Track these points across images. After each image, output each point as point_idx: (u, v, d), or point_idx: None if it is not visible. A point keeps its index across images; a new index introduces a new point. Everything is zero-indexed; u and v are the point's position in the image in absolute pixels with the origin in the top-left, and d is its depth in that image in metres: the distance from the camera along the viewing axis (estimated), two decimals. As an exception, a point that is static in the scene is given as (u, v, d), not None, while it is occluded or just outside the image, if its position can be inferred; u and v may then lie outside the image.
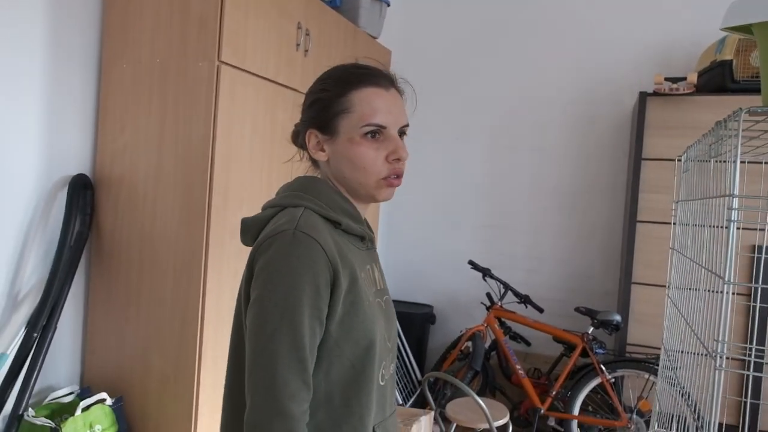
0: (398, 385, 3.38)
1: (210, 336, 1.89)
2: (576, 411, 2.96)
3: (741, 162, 1.10)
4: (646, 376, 2.85)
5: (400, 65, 3.84)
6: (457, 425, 2.65)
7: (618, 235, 3.56)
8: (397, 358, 1.00)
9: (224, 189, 1.90)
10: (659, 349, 3.04)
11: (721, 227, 0.89)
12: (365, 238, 1.07)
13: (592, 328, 3.01)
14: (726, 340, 0.80)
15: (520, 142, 3.74)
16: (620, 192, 3.55)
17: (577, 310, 3.10)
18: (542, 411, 3.01)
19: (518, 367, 3.11)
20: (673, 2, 3.38)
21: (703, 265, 1.01)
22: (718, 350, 0.79)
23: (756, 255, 2.76)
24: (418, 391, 3.53)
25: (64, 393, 1.89)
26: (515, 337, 3.32)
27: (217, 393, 1.94)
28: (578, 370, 3.02)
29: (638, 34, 3.46)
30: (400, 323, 3.47)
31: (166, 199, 1.89)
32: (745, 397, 2.75)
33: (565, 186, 3.65)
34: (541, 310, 3.21)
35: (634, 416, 2.87)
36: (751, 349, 2.38)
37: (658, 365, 2.59)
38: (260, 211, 1.06)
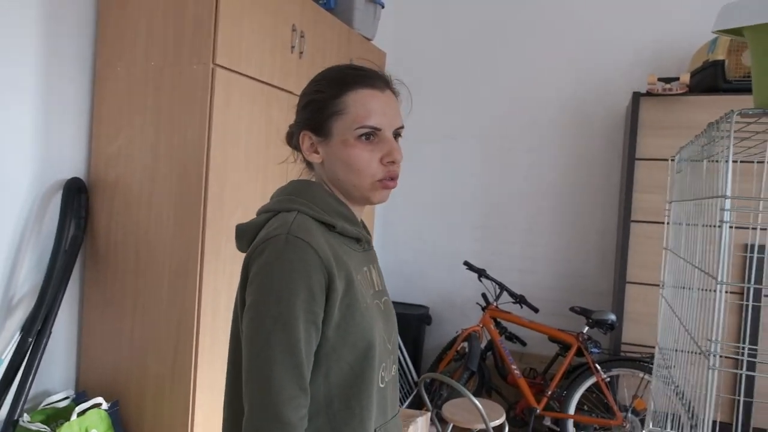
0: (394, 386, 3.37)
1: (206, 340, 1.89)
2: (572, 410, 2.97)
3: (733, 162, 1.11)
4: (641, 375, 2.87)
5: (395, 67, 3.85)
6: (453, 426, 2.66)
7: (612, 234, 3.58)
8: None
9: (220, 192, 1.90)
10: (654, 348, 3.05)
11: (714, 227, 0.89)
12: (361, 240, 1.07)
13: (587, 328, 3.02)
14: (719, 339, 0.80)
15: (514, 142, 3.75)
16: (614, 192, 3.57)
17: (572, 309, 3.11)
18: (538, 411, 3.02)
19: (514, 367, 3.12)
20: (666, 3, 3.41)
21: (696, 265, 1.02)
22: (712, 350, 0.80)
23: (748, 254, 2.78)
24: (414, 392, 3.53)
25: (59, 398, 1.88)
26: (511, 337, 3.33)
27: (213, 397, 1.94)
28: (573, 369, 3.03)
29: (632, 34, 3.48)
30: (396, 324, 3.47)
31: (162, 202, 1.88)
32: (738, 395, 2.76)
33: (560, 186, 3.67)
34: (536, 310, 3.22)
35: (630, 415, 2.88)
36: (743, 348, 2.40)
37: (652, 364, 2.60)
38: (255, 215, 1.06)
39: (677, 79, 2.95)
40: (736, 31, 0.84)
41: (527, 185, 3.73)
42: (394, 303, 3.90)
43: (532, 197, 3.72)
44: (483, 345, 3.26)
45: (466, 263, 3.32)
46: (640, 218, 3.02)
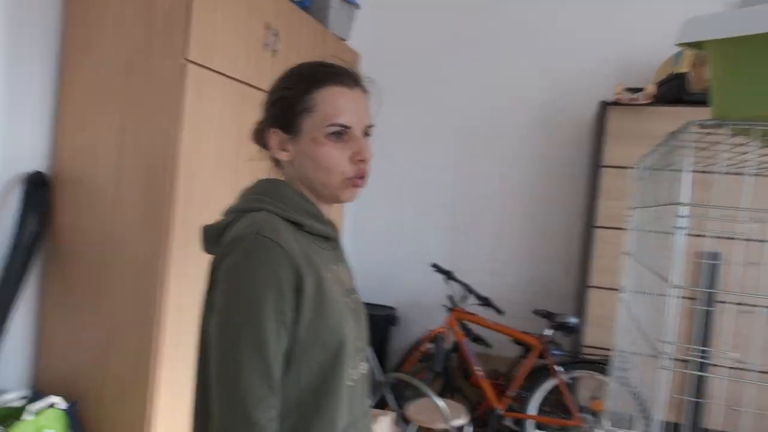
0: (360, 386, 3.38)
1: (170, 340, 1.86)
2: (532, 411, 3.03)
3: (692, 172, 1.16)
4: (600, 377, 2.94)
5: (369, 68, 3.84)
6: (417, 425, 2.68)
7: (577, 240, 3.65)
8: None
9: (189, 190, 1.88)
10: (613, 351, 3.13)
11: (671, 233, 0.93)
12: (330, 238, 1.06)
13: (549, 330, 3.08)
14: (671, 340, 0.83)
15: (484, 147, 3.80)
16: (580, 198, 3.65)
17: (535, 312, 3.17)
18: (500, 411, 3.07)
19: (477, 368, 3.16)
20: (634, 15, 3.50)
21: (653, 269, 1.06)
22: (663, 350, 0.83)
23: (703, 261, 2.88)
24: (379, 393, 3.54)
25: (14, 397, 1.82)
26: (476, 339, 3.38)
27: (175, 398, 1.91)
28: (535, 371, 3.08)
29: (601, 44, 3.56)
30: (362, 325, 3.47)
31: (129, 199, 1.85)
32: (689, 396, 2.85)
33: (528, 191, 3.73)
34: (501, 312, 3.27)
35: (588, 416, 2.95)
36: (697, 350, 2.48)
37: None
38: (222, 215, 1.05)
39: (643, 89, 3.03)
40: (698, 45, 0.87)
41: (496, 190, 3.78)
42: (361, 304, 3.90)
43: (500, 202, 3.78)
44: (448, 346, 3.29)
45: (433, 265, 3.35)
46: (604, 224, 3.10)
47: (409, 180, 3.95)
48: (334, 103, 0.99)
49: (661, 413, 0.86)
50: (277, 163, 1.08)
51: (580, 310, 3.16)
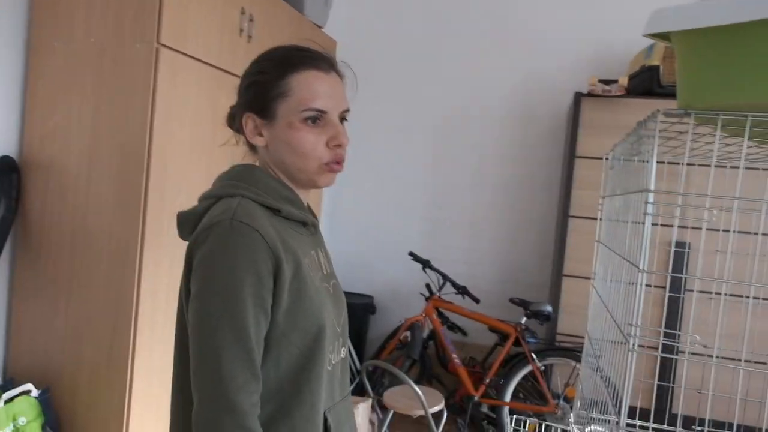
0: (337, 374, 3.39)
1: (145, 325, 1.85)
2: (508, 398, 3.08)
3: (661, 162, 1.18)
4: (573, 364, 3.00)
5: (345, 56, 3.83)
6: (394, 412, 2.70)
7: (552, 229, 3.71)
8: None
9: (162, 175, 1.86)
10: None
11: (639, 222, 0.95)
12: (308, 224, 1.06)
13: (525, 319, 3.13)
14: (638, 324, 0.86)
15: (461, 137, 3.82)
16: (555, 188, 3.69)
17: (511, 301, 3.21)
18: (476, 398, 3.11)
19: (454, 356, 3.20)
20: (611, 6, 3.54)
21: (622, 256, 1.08)
22: (632, 333, 0.85)
23: (674, 249, 2.94)
24: (357, 380, 3.56)
25: (-15, 385, 1.80)
26: (453, 327, 3.41)
27: (151, 384, 1.90)
28: (511, 358, 3.13)
29: (577, 36, 3.59)
30: (340, 313, 3.48)
31: (100, 184, 1.82)
32: (658, 380, 2.93)
33: (504, 181, 3.76)
34: (477, 301, 3.30)
35: (561, 402, 3.01)
36: (666, 335, 2.54)
37: (584, 353, 2.73)
38: (197, 201, 1.04)
39: (616, 81, 3.08)
40: (664, 36, 0.89)
41: (473, 179, 3.81)
42: (339, 292, 3.91)
43: (477, 191, 3.81)
44: (425, 334, 3.32)
45: (411, 254, 3.37)
46: (578, 214, 3.15)
47: (387, 169, 3.95)
48: (309, 88, 0.98)
49: (628, 395, 0.88)
50: (252, 148, 1.07)
51: (554, 299, 3.21)
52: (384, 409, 2.76)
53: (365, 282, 3.99)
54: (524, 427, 1.63)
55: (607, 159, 1.53)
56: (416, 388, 2.46)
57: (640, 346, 0.89)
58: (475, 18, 3.77)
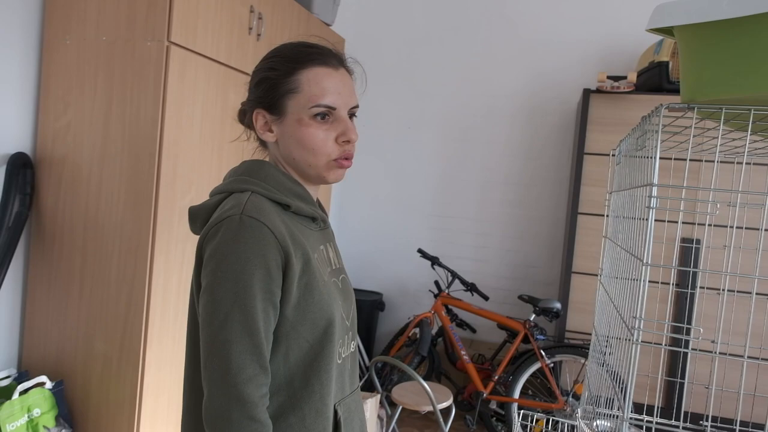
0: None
1: (156, 319, 1.87)
2: (516, 394, 3.08)
3: (668, 158, 1.18)
4: (582, 360, 3.00)
5: (353, 54, 3.85)
6: (402, 408, 2.72)
7: (561, 226, 3.70)
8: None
9: (172, 171, 1.88)
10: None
11: (643, 216, 0.95)
12: (317, 219, 1.06)
13: (533, 315, 3.13)
14: (642, 316, 0.86)
15: (470, 134, 3.82)
16: (564, 185, 3.68)
17: (520, 298, 3.21)
18: (485, 395, 3.12)
19: (463, 353, 3.21)
20: (618, 4, 3.52)
21: (628, 250, 1.08)
22: (636, 325, 0.85)
23: (678, 244, 2.93)
24: (366, 376, 3.58)
25: (0, 376, 1.83)
26: (461, 324, 3.42)
27: (162, 377, 1.93)
28: (520, 355, 3.13)
29: (586, 32, 3.58)
30: (349, 310, 3.50)
31: (112, 180, 1.85)
32: (671, 377, 2.92)
33: (513, 178, 3.76)
34: (486, 298, 3.31)
35: (570, 399, 3.01)
36: (674, 330, 2.53)
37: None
38: (208, 196, 1.05)
39: (625, 77, 3.06)
40: (668, 31, 0.89)
41: (482, 176, 3.81)
42: (348, 289, 3.93)
43: (486, 188, 3.81)
44: (434, 331, 3.33)
45: (419, 251, 3.38)
46: (587, 211, 3.14)
47: (396, 166, 3.96)
48: (318, 84, 0.99)
49: (632, 390, 0.89)
50: (262, 143, 1.08)
51: (563, 296, 3.21)
52: (392, 404, 2.77)
53: (374, 279, 4.01)
54: (532, 421, 1.64)
55: (613, 155, 1.53)
56: (424, 384, 2.47)
57: (647, 342, 0.89)
58: (483, 15, 3.77)
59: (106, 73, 1.85)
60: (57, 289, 1.91)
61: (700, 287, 2.91)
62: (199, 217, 1.02)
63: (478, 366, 3.28)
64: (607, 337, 1.35)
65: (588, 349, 2.97)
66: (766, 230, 2.48)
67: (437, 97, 3.87)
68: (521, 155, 3.74)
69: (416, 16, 3.88)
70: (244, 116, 1.09)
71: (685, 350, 0.80)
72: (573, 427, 2.38)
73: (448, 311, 3.35)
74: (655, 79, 2.92)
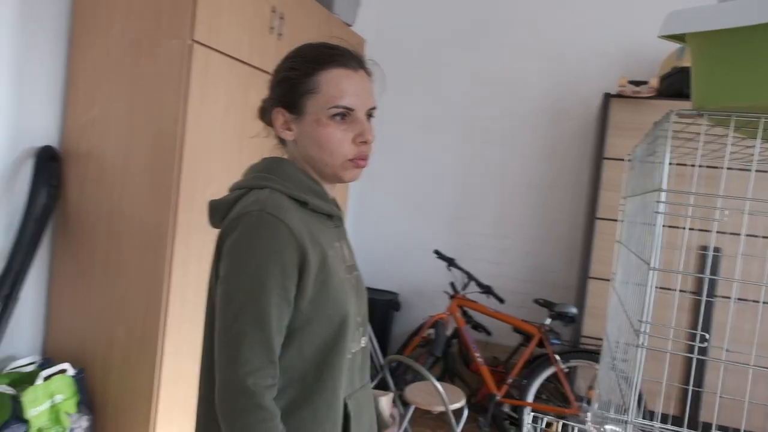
0: (360, 368, 3.44)
1: (175, 311, 1.92)
2: (530, 398, 3.08)
3: (682, 165, 1.18)
4: (597, 366, 2.98)
5: (374, 55, 3.88)
6: (415, 407, 2.73)
7: (580, 231, 3.68)
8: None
9: (193, 166, 1.92)
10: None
11: (652, 224, 0.96)
12: (333, 216, 1.09)
13: (549, 320, 3.11)
14: (649, 321, 0.87)
15: (489, 136, 3.82)
16: (583, 189, 3.66)
17: (535, 301, 3.20)
18: (498, 397, 3.11)
19: (477, 354, 3.21)
20: (641, 8, 3.49)
21: (639, 255, 1.09)
22: (642, 329, 0.86)
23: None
24: (380, 375, 3.60)
25: (25, 363, 1.89)
26: (476, 326, 3.42)
27: (180, 366, 1.98)
28: (534, 359, 3.12)
29: (608, 36, 3.56)
30: (364, 309, 3.53)
31: (135, 174, 1.90)
32: (691, 386, 2.89)
33: (532, 181, 3.75)
34: (502, 301, 3.31)
35: (584, 404, 3.00)
36: (691, 335, 2.51)
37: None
38: (227, 191, 1.08)
39: (647, 82, 3.04)
40: (680, 37, 0.90)
41: (500, 179, 3.81)
42: (364, 288, 3.96)
43: (504, 191, 3.80)
44: (449, 332, 3.33)
45: (436, 252, 3.39)
46: (605, 216, 3.12)
47: (414, 167, 3.98)
48: (338, 86, 1.01)
49: (637, 394, 0.90)
50: (281, 141, 1.11)
51: (579, 301, 3.19)
52: (405, 404, 2.79)
53: (390, 278, 4.03)
54: (542, 423, 1.64)
55: (629, 159, 1.53)
56: (437, 384, 2.48)
57: (652, 347, 0.90)
58: (504, 16, 3.76)
59: (132, 70, 1.90)
60: (80, 279, 1.97)
61: (713, 296, 2.88)
62: (218, 212, 1.05)
63: (492, 368, 3.28)
64: (617, 341, 1.35)
65: (603, 354, 2.95)
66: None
67: (457, 99, 3.87)
68: (541, 159, 3.73)
69: (437, 17, 3.89)
70: (265, 114, 1.12)
71: (690, 355, 0.81)
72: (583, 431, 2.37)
73: (464, 313, 3.36)
74: (677, 84, 2.89)
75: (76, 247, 1.98)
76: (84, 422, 1.86)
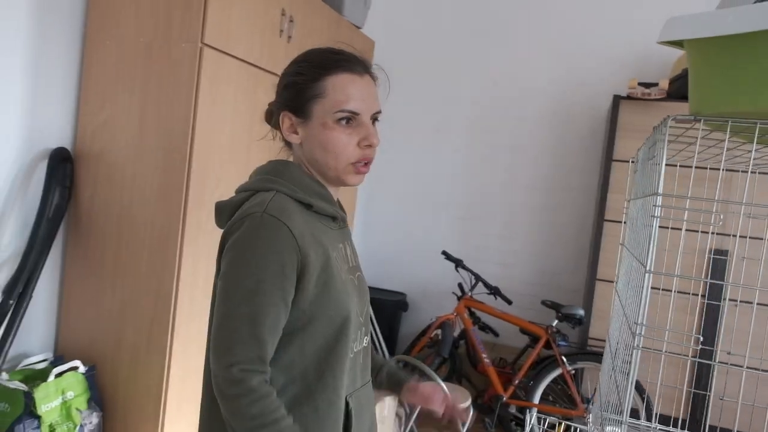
0: (368, 368, 3.46)
1: (184, 311, 1.95)
2: (536, 399, 3.08)
3: (686, 167, 1.19)
4: (605, 368, 2.97)
5: (383, 56, 3.90)
6: (421, 407, 2.74)
7: (588, 233, 3.67)
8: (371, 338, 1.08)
9: (203, 169, 1.96)
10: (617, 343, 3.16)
11: (649, 226, 0.97)
12: (337, 218, 1.11)
13: (556, 321, 3.12)
14: (644, 323, 0.88)
15: (498, 137, 3.83)
16: (592, 191, 3.66)
17: (543, 303, 3.20)
18: (504, 398, 3.12)
19: (484, 355, 3.22)
20: (652, 8, 3.48)
21: (638, 258, 1.10)
22: (636, 331, 0.88)
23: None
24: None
25: (37, 360, 1.93)
26: (484, 327, 3.43)
27: (188, 365, 2.01)
28: (541, 360, 3.13)
29: (618, 38, 3.55)
30: (373, 309, 3.56)
31: (145, 175, 1.94)
32: (697, 389, 2.88)
33: (541, 183, 3.75)
34: (509, 302, 3.31)
35: (590, 406, 2.99)
36: (697, 340, 2.50)
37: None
38: (234, 194, 1.11)
39: (657, 84, 3.03)
40: (679, 43, 0.91)
41: (509, 180, 3.81)
42: (372, 288, 3.98)
43: (512, 193, 3.81)
44: (456, 333, 3.35)
45: (444, 253, 3.40)
46: (613, 218, 3.12)
47: (422, 168, 3.99)
48: (343, 90, 1.04)
49: (631, 393, 0.91)
50: (287, 144, 1.13)
51: (587, 303, 3.19)
52: (411, 404, 2.80)
53: (398, 279, 4.04)
54: (543, 424, 1.65)
55: (633, 162, 1.54)
56: (442, 384, 2.49)
57: (647, 348, 0.91)
58: (513, 18, 3.77)
59: (143, 72, 1.93)
60: (91, 278, 2.01)
61: (716, 299, 2.86)
62: (224, 212, 1.07)
63: (499, 369, 3.28)
64: (617, 342, 1.36)
65: (610, 357, 2.95)
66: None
67: (466, 100, 3.88)
68: (549, 160, 3.73)
69: (446, 18, 3.91)
70: (271, 117, 1.14)
71: (685, 356, 0.82)
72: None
73: (471, 314, 3.37)
74: (687, 86, 2.88)
75: (88, 247, 2.01)
76: (94, 418, 1.90)
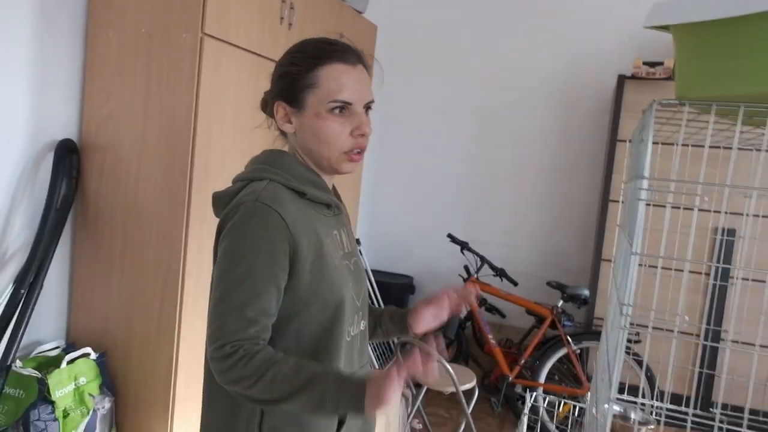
0: (376, 350, 3.51)
1: (189, 297, 1.99)
2: (542, 379, 3.11)
3: (683, 145, 1.20)
4: (610, 348, 3.00)
5: (386, 41, 3.89)
6: (427, 388, 2.79)
7: (593, 213, 3.67)
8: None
9: (206, 157, 1.98)
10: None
11: (656, 205, 0.98)
12: (331, 206, 1.13)
13: (561, 302, 3.14)
14: (631, 303, 0.90)
15: (503, 120, 3.82)
16: (597, 172, 3.65)
17: (548, 284, 3.22)
18: (510, 378, 3.16)
19: (490, 336, 3.25)
20: (656, -14, 3.44)
21: (628, 238, 1.11)
22: (623, 312, 0.90)
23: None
24: (394, 357, 3.67)
25: (50, 347, 1.99)
26: (490, 308, 3.46)
27: (196, 351, 2.05)
28: (547, 341, 3.16)
29: (623, 17, 3.51)
30: (380, 292, 3.59)
31: (150, 165, 1.97)
32: (704, 368, 2.90)
33: (545, 164, 3.75)
34: (515, 283, 3.33)
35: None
36: (710, 322, 2.52)
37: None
38: (231, 183, 1.14)
39: (662, 63, 3.01)
40: (666, 27, 0.92)
41: (514, 162, 3.81)
42: (379, 272, 4.02)
43: (517, 174, 3.81)
44: (462, 315, 3.38)
45: (449, 236, 3.42)
46: (618, 199, 3.12)
47: (427, 152, 4.00)
48: (336, 80, 1.05)
49: (618, 373, 0.93)
50: (282, 133, 1.16)
51: (592, 283, 3.20)
52: (418, 385, 2.85)
53: (405, 262, 4.07)
54: (544, 403, 1.68)
55: (630, 142, 1.55)
56: (447, 365, 2.53)
57: (633, 324, 0.93)
58: (517, 1, 3.73)
59: (145, 63, 1.95)
60: (100, 268, 2.05)
61: (746, 279, 2.86)
62: (221, 202, 1.10)
63: (505, 350, 3.32)
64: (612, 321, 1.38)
65: (615, 336, 2.97)
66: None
67: (470, 83, 3.87)
68: (554, 141, 3.72)
69: (449, 3, 3.88)
70: (266, 106, 1.16)
71: (670, 334, 0.84)
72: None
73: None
74: (691, 64, 2.86)
75: (96, 236, 2.06)
76: (106, 403, 1.96)
